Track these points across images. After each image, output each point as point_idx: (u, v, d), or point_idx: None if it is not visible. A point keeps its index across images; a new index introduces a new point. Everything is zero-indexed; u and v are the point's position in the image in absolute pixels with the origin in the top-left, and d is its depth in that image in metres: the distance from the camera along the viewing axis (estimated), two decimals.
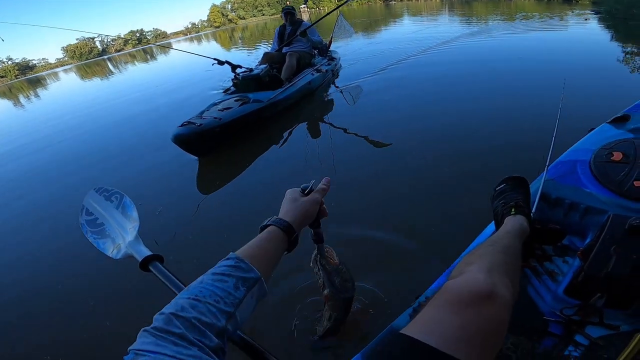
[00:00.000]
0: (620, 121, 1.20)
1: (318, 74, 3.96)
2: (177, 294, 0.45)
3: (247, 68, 3.44)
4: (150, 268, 0.68)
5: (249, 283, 0.48)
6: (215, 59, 3.43)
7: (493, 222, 0.90)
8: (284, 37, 4.11)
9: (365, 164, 2.11)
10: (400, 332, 0.45)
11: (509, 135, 2.12)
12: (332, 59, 4.58)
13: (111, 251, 0.72)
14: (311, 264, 0.80)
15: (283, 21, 4.16)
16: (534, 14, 9.15)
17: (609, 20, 7.00)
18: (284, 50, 3.99)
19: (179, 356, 0.35)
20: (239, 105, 2.80)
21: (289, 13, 4.06)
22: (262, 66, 3.39)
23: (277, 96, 3.10)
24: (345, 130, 2.70)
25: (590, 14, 7.93)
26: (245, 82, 3.26)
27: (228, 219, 1.81)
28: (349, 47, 6.52)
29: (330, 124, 2.94)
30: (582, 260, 0.74)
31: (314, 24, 4.03)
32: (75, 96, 9.58)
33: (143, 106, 5.26)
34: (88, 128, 4.67)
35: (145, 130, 3.92)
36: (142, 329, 0.39)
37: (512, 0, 15.58)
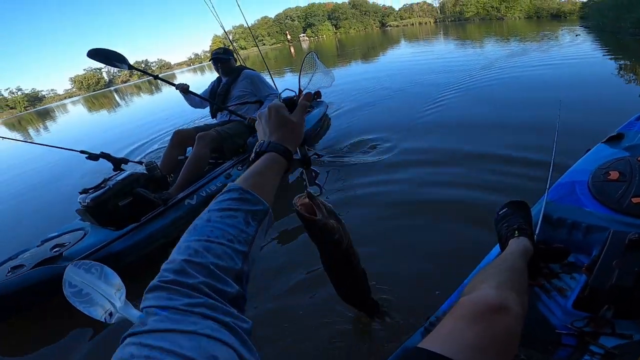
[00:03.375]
0: (614, 140, 1.25)
1: (228, 180, 2.21)
2: None
3: (137, 164, 2.04)
4: None
5: (259, 217, 0.43)
6: (85, 152, 2.03)
7: (498, 245, 0.95)
8: (215, 97, 2.70)
9: None
10: (417, 346, 0.48)
11: (511, 164, 2.02)
12: None
13: (103, 317, 0.76)
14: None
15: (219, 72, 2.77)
16: (527, 34, 9.31)
17: (598, 34, 7.17)
18: (219, 118, 2.70)
19: (191, 309, 0.31)
20: (34, 266, 1.52)
21: (219, 59, 2.64)
22: (126, 173, 1.91)
23: (115, 245, 1.71)
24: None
25: (580, 29, 8.19)
26: (92, 212, 1.78)
27: None
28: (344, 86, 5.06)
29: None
30: (588, 275, 0.78)
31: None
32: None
33: None
34: None
35: None
36: (152, 283, 0.34)
37: (504, 20, 15.96)
